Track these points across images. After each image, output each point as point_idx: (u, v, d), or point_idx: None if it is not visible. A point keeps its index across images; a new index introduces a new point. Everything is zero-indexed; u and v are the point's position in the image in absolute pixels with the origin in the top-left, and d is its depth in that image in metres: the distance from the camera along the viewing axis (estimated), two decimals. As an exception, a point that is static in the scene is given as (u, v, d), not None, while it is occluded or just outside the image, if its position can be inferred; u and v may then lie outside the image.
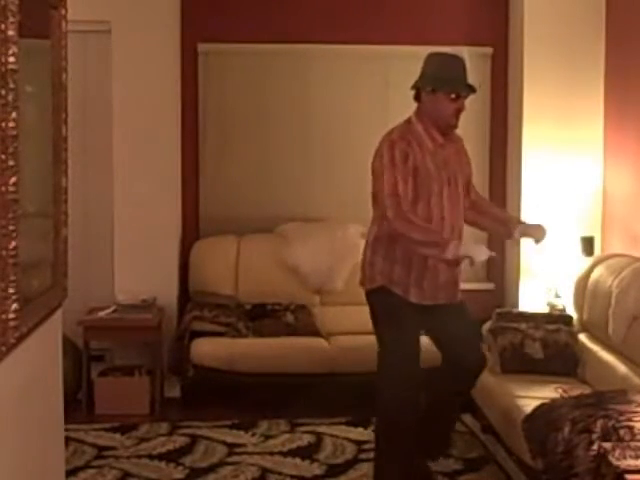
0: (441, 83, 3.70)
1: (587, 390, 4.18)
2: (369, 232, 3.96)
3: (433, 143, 3.76)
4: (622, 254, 4.85)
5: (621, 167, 5.34)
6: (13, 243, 2.37)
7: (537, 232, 3.90)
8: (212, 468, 4.34)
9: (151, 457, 4.48)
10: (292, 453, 4.53)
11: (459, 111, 3.75)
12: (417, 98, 3.85)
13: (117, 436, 4.77)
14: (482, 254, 3.60)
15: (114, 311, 5.30)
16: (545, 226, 3.91)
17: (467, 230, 3.98)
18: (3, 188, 2.31)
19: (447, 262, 3.67)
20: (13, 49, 2.31)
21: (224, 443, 4.66)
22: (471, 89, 3.78)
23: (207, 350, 5.15)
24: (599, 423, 3.23)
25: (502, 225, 4.02)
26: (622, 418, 3.25)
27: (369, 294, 3.97)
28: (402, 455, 3.85)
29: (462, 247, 3.58)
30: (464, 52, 3.82)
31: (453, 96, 3.72)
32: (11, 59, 2.30)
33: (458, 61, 3.76)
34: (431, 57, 3.80)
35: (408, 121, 3.83)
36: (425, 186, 3.69)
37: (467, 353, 3.91)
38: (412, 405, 3.79)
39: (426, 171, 3.69)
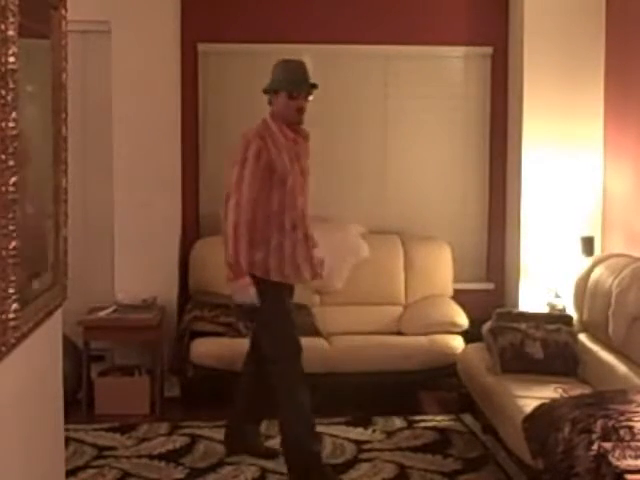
0: (281, 85, 4.20)
1: (587, 390, 4.18)
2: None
3: (286, 139, 4.19)
4: (622, 254, 4.85)
5: (621, 167, 5.34)
6: (13, 243, 2.37)
7: None
8: (212, 468, 4.34)
9: (151, 457, 4.48)
10: (292, 453, 4.53)
11: (300, 109, 4.19)
12: (270, 102, 4.28)
13: (117, 436, 4.77)
14: (246, 298, 4.13)
15: (114, 311, 5.30)
16: None
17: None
18: (3, 188, 2.31)
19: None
20: (13, 49, 2.31)
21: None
22: (311, 87, 4.25)
23: (207, 350, 5.15)
24: (599, 423, 3.23)
25: None
26: (622, 418, 3.25)
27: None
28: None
29: (241, 291, 4.11)
30: (305, 58, 4.40)
31: (294, 95, 4.18)
32: (11, 59, 2.30)
33: (296, 64, 4.29)
34: (276, 65, 4.30)
35: (264, 121, 4.24)
36: (281, 178, 4.13)
37: None
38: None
39: (282, 165, 4.13)
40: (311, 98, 4.26)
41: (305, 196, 4.27)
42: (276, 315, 4.22)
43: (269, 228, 4.14)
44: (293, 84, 4.18)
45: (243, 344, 5.21)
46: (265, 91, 4.27)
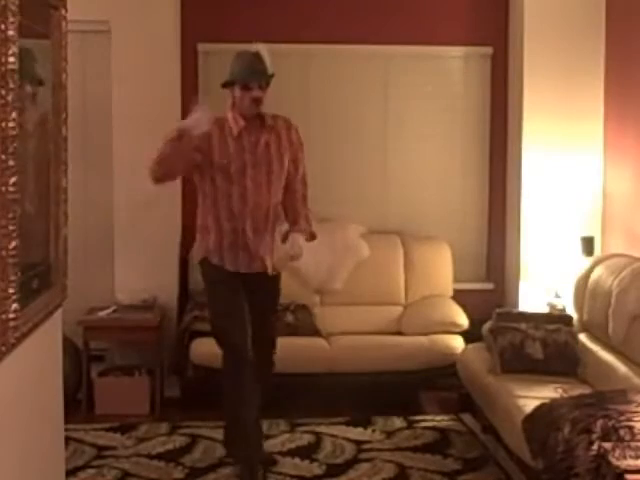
0: (235, 77, 4.17)
1: (587, 390, 4.18)
2: None
3: (237, 127, 4.17)
4: (622, 254, 4.85)
5: (621, 167, 5.34)
6: (13, 243, 2.37)
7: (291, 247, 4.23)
8: (212, 468, 4.34)
9: (151, 457, 4.48)
10: (292, 453, 4.54)
11: (255, 99, 4.14)
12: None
13: (117, 436, 4.77)
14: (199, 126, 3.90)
15: (114, 311, 5.30)
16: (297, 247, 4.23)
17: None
18: (3, 188, 2.31)
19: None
20: (13, 49, 2.31)
21: (224, 443, 4.66)
22: (268, 77, 4.16)
23: (207, 350, 5.13)
24: (599, 423, 3.23)
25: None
26: (622, 418, 3.26)
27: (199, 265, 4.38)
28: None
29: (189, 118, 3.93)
30: (262, 48, 4.20)
31: (249, 86, 4.12)
32: (11, 59, 2.30)
33: (250, 55, 4.19)
34: (233, 57, 4.26)
35: (225, 113, 4.24)
36: (222, 164, 4.13)
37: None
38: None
39: (225, 151, 4.13)
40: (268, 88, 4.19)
41: (261, 188, 4.17)
42: (211, 298, 4.31)
43: (211, 213, 4.19)
44: (246, 75, 4.16)
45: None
46: (224, 85, 4.27)
